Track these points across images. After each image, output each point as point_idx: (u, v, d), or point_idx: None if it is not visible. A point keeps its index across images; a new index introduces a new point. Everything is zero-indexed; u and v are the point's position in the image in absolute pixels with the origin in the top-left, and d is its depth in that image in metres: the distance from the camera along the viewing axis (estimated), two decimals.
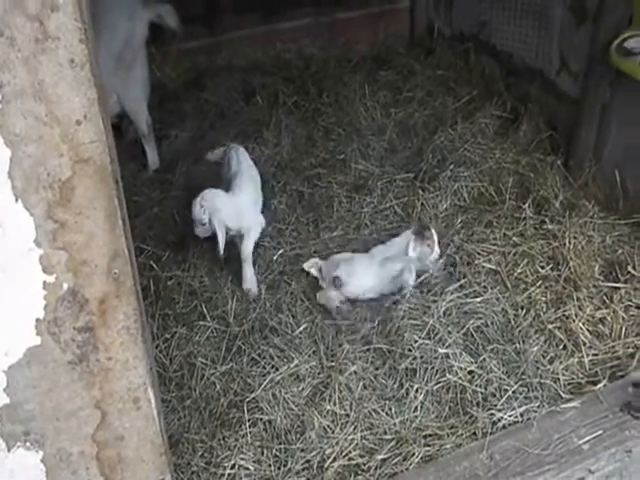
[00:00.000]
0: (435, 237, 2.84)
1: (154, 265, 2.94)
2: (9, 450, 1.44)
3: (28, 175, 1.22)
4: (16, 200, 1.24)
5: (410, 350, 2.48)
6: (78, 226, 1.29)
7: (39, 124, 1.19)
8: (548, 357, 2.49)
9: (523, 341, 2.53)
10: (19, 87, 1.15)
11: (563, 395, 2.35)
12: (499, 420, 2.27)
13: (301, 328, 2.60)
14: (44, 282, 1.32)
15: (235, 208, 2.78)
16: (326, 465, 2.17)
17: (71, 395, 1.43)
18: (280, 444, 2.25)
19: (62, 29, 1.13)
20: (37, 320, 1.35)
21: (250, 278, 2.85)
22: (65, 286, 1.34)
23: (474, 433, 2.25)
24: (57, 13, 1.11)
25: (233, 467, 2.16)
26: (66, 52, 1.15)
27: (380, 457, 2.19)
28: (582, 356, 2.49)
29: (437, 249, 2.86)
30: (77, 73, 1.17)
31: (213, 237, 2.77)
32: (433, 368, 2.41)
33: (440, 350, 2.46)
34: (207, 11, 4.35)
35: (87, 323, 1.38)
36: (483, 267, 2.82)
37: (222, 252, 2.71)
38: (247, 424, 2.28)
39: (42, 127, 1.19)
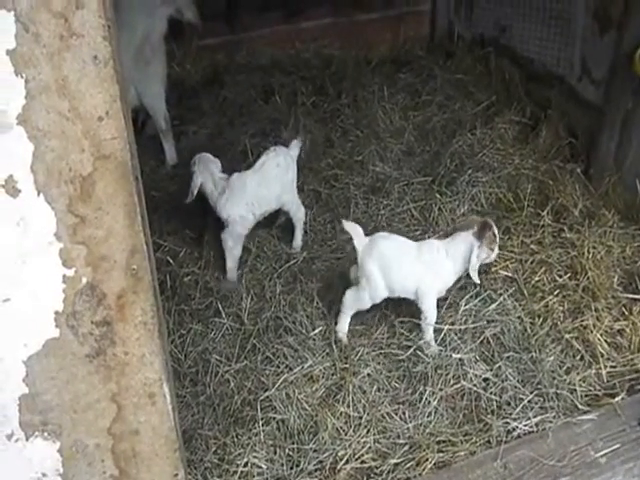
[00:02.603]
0: (497, 236, 2.55)
1: (171, 261, 2.95)
2: (27, 439, 1.46)
3: (50, 169, 1.23)
4: (38, 194, 1.24)
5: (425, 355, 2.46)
6: (98, 221, 1.30)
7: (62, 119, 1.20)
8: (565, 367, 2.46)
9: (539, 350, 2.50)
10: (43, 83, 1.16)
11: (580, 406, 2.33)
12: (514, 429, 2.25)
13: (316, 331, 2.59)
14: (64, 276, 1.33)
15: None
16: (338, 467, 2.16)
17: (88, 388, 1.44)
18: (293, 444, 2.25)
19: (86, 26, 1.13)
20: (56, 313, 1.36)
21: (230, 269, 2.91)
22: (84, 280, 1.34)
23: (488, 441, 2.23)
24: (82, 10, 1.11)
25: (246, 465, 2.16)
26: (90, 49, 1.15)
27: (393, 461, 2.17)
28: (600, 368, 2.46)
29: (497, 250, 2.58)
30: (100, 70, 1.17)
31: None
32: (447, 374, 2.39)
33: (454, 356, 2.44)
34: (228, 9, 4.36)
35: (105, 317, 1.39)
36: (500, 274, 2.79)
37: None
38: (260, 422, 2.28)
39: (65, 122, 1.20)
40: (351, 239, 2.51)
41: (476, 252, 2.46)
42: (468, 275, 2.76)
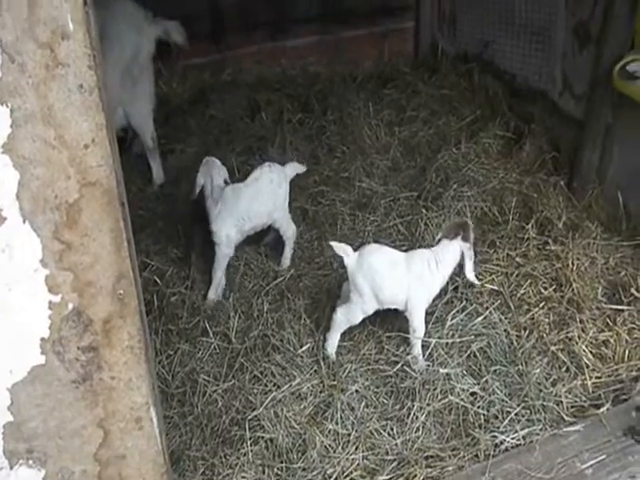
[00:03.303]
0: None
1: (158, 280, 2.95)
2: (12, 468, 1.45)
3: (36, 197, 1.24)
4: (24, 221, 1.25)
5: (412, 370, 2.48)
6: (84, 247, 1.31)
7: (48, 148, 1.21)
8: (551, 379, 2.49)
9: (526, 363, 2.52)
10: (29, 112, 1.17)
11: (566, 418, 2.35)
12: (501, 443, 2.26)
13: (304, 348, 2.59)
14: (50, 302, 1.33)
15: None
16: None
17: (74, 414, 1.44)
18: (281, 463, 2.24)
19: (72, 56, 1.15)
20: (42, 339, 1.36)
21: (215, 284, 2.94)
22: (70, 306, 1.35)
23: (476, 455, 2.24)
24: (67, 41, 1.13)
25: None
26: (75, 78, 1.17)
27: (382, 478, 2.18)
28: (585, 379, 2.49)
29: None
30: (86, 98, 1.19)
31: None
32: (435, 389, 2.40)
33: (442, 371, 2.45)
34: (214, 28, 4.41)
35: (91, 343, 1.39)
36: (486, 288, 2.82)
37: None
38: (249, 442, 2.28)
39: (51, 151, 1.21)
40: (340, 257, 2.52)
41: (468, 254, 2.52)
42: (455, 288, 2.81)
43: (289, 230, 3.04)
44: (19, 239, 1.26)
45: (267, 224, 3.01)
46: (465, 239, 2.53)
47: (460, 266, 2.60)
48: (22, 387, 1.37)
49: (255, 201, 2.89)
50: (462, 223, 2.58)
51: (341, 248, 2.49)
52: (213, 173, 2.93)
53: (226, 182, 2.94)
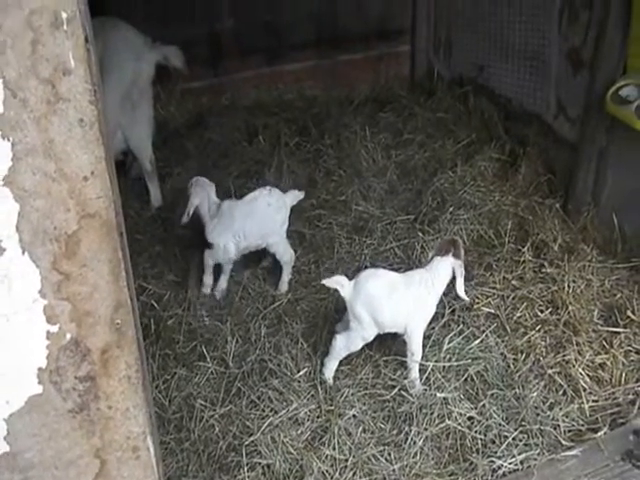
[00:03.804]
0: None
1: (155, 304, 2.95)
2: None
3: (35, 229, 1.26)
4: (23, 253, 1.27)
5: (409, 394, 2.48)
6: (82, 278, 1.32)
7: (48, 180, 1.23)
8: (548, 403, 2.49)
9: (523, 386, 2.53)
10: (30, 145, 1.19)
11: (563, 442, 2.34)
12: (499, 467, 2.26)
13: (301, 372, 2.59)
14: (47, 332, 1.34)
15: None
16: None
17: (71, 444, 1.44)
18: None
19: (73, 91, 1.17)
20: (39, 369, 1.36)
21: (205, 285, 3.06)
22: (68, 336, 1.36)
23: None
24: (69, 77, 1.16)
25: None
26: (76, 112, 1.19)
27: None
28: (582, 402, 2.49)
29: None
30: (86, 132, 1.21)
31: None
32: (432, 413, 2.40)
33: (439, 395, 2.45)
34: (212, 53, 4.47)
35: (89, 372, 1.40)
36: (482, 311, 2.83)
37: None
38: (245, 468, 2.27)
39: (51, 183, 1.23)
40: (336, 291, 2.51)
41: (459, 271, 2.53)
42: (452, 312, 2.81)
43: (286, 255, 3.05)
44: (18, 270, 1.27)
45: (261, 246, 3.04)
46: (456, 256, 2.54)
47: (451, 283, 2.59)
48: (19, 417, 1.37)
49: (249, 220, 2.94)
50: (452, 240, 2.60)
51: (334, 282, 2.48)
52: (209, 190, 3.00)
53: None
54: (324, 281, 2.50)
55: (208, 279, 3.08)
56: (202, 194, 2.99)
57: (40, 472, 1.43)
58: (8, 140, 1.19)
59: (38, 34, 1.11)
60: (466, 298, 2.59)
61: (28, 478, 1.43)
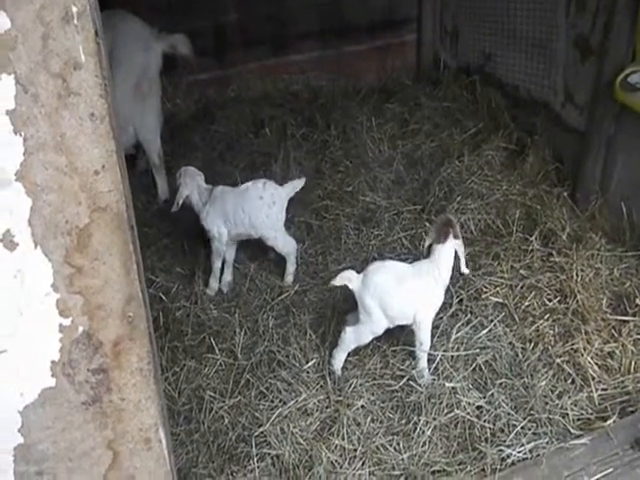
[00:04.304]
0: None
1: (163, 297, 2.97)
2: None
3: (47, 223, 1.26)
4: (35, 246, 1.28)
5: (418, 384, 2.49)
6: (94, 271, 1.33)
7: (59, 174, 1.24)
8: (557, 392, 2.49)
9: (531, 375, 2.53)
10: (41, 140, 1.20)
11: (572, 431, 2.35)
12: (508, 456, 2.26)
13: (310, 364, 2.60)
14: (60, 325, 1.35)
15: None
16: None
17: (84, 435, 1.46)
18: (288, 479, 2.25)
19: (83, 85, 1.18)
20: (52, 362, 1.38)
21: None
22: (80, 329, 1.37)
23: (483, 469, 2.24)
24: (79, 71, 1.16)
25: None
26: (87, 107, 1.20)
27: None
28: (591, 391, 2.49)
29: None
30: (97, 126, 1.22)
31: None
32: (441, 403, 2.41)
33: (447, 384, 2.46)
34: (217, 44, 4.46)
35: (101, 365, 1.41)
36: (490, 300, 2.82)
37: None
38: (255, 459, 2.29)
39: (62, 177, 1.24)
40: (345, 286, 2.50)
41: (460, 250, 2.51)
42: (460, 301, 2.82)
43: (286, 247, 3.04)
44: (31, 264, 1.28)
45: (254, 236, 3.03)
46: (456, 236, 2.50)
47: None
48: (32, 409, 1.39)
49: (239, 209, 2.95)
50: (447, 221, 2.54)
51: (342, 278, 2.48)
52: (198, 180, 3.05)
53: None
54: (333, 282, 2.50)
55: (214, 283, 3.07)
56: (192, 184, 3.03)
57: (54, 463, 1.45)
58: (20, 135, 1.19)
59: (49, 29, 1.12)
60: (467, 271, 2.57)
61: (43, 469, 1.45)
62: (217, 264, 3.05)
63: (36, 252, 1.28)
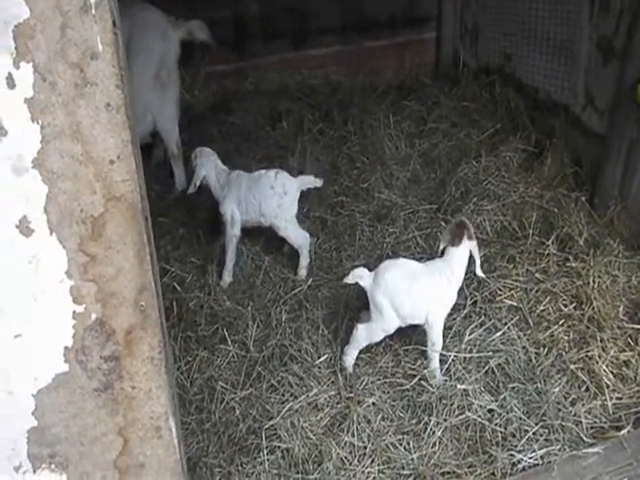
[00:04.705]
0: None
1: (177, 287, 2.98)
2: (34, 472, 1.48)
3: (63, 210, 1.27)
4: (50, 233, 1.28)
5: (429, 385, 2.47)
6: (108, 259, 1.34)
7: (75, 163, 1.24)
8: (570, 399, 2.45)
9: (544, 381, 2.50)
10: (58, 128, 1.20)
11: (585, 439, 2.31)
12: (519, 462, 2.23)
13: (322, 359, 2.60)
14: (74, 312, 1.36)
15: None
16: None
17: (95, 421, 1.47)
18: (297, 473, 2.25)
19: (100, 75, 1.18)
20: (65, 348, 1.39)
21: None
22: (93, 316, 1.38)
23: (493, 473, 2.21)
24: (96, 61, 1.16)
25: None
26: (103, 96, 1.20)
27: None
28: (605, 399, 2.45)
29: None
30: (113, 116, 1.22)
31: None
32: (452, 404, 2.39)
33: (459, 386, 2.44)
34: (236, 36, 4.46)
35: (113, 352, 1.42)
36: (505, 303, 2.79)
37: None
38: (265, 451, 2.29)
39: (78, 166, 1.25)
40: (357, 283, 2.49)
41: (475, 251, 2.48)
42: (474, 303, 2.79)
43: (298, 240, 3.04)
44: (46, 251, 1.29)
45: (264, 225, 3.05)
46: (470, 237, 2.48)
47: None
48: (46, 393, 1.40)
49: (250, 195, 2.98)
50: (461, 224, 2.51)
51: (354, 276, 2.47)
52: (213, 159, 3.07)
53: None
54: (345, 280, 2.49)
55: (227, 276, 3.08)
56: (208, 165, 3.04)
57: (66, 447, 1.46)
58: (38, 123, 1.20)
59: (67, 18, 1.12)
60: (482, 274, 2.54)
61: (55, 452, 1.46)
62: (230, 255, 3.05)
63: (51, 239, 1.29)
